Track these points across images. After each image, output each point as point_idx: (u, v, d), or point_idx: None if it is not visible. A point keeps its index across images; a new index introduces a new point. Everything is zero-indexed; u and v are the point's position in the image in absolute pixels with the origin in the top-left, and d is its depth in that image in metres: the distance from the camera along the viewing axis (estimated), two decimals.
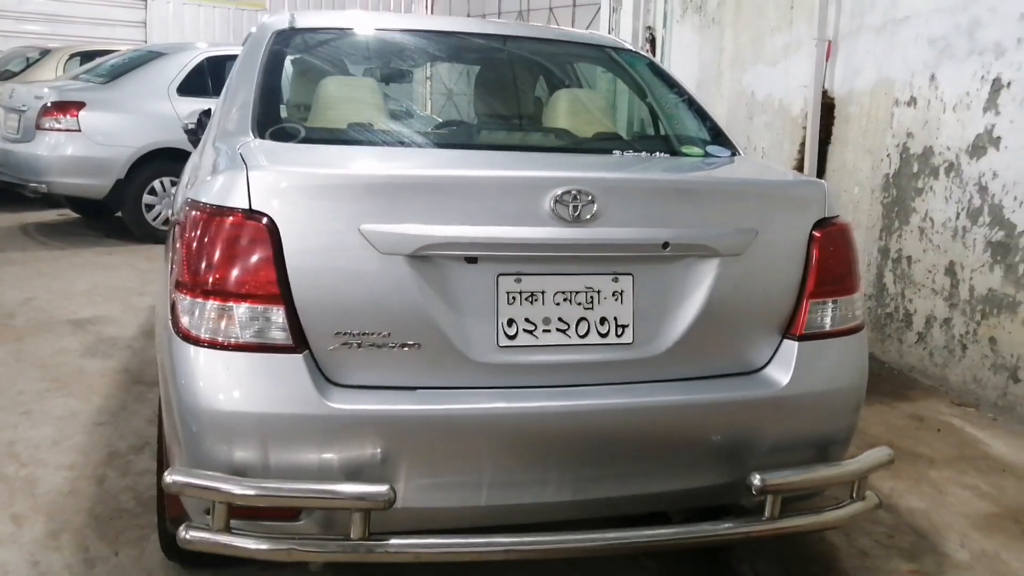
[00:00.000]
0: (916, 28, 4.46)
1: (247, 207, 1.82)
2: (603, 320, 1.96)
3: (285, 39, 2.62)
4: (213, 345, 1.82)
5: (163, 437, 2.19)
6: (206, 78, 7.50)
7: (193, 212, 1.89)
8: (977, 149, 4.06)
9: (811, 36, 5.34)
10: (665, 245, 1.97)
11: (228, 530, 1.75)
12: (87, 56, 9.93)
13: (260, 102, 2.31)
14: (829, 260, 2.10)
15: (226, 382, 1.80)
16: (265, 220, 1.81)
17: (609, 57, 2.99)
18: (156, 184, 7.18)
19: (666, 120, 2.72)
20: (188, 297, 1.84)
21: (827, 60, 5.17)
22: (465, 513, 1.93)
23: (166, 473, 1.76)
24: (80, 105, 6.85)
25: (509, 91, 3.16)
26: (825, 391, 2.10)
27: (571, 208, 1.89)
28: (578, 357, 1.96)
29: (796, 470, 2.02)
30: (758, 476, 1.93)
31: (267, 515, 1.85)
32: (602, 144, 2.65)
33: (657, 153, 2.49)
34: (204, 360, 1.81)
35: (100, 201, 7.24)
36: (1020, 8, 3.79)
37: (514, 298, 1.92)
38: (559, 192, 1.89)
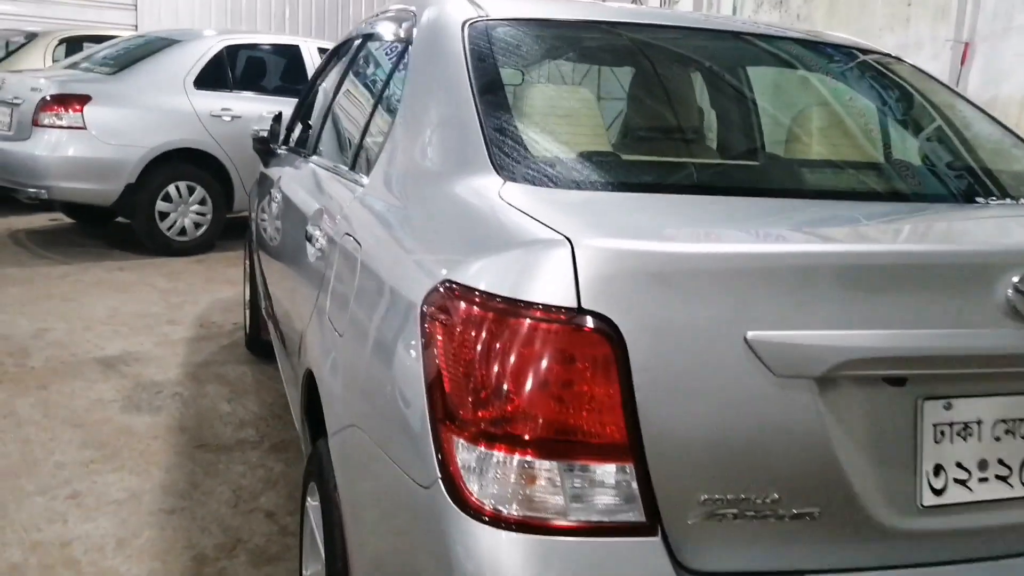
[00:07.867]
0: None
1: (575, 305, 1.16)
2: None
3: (484, 34, 1.87)
4: (523, 526, 1.16)
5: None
6: (226, 70, 6.72)
7: (471, 307, 1.22)
8: None
9: (935, 37, 4.77)
10: None
11: None
12: (76, 42, 9.07)
13: (489, 126, 1.61)
14: None
15: None
16: (604, 325, 1.15)
17: (876, 65, 2.33)
18: (171, 189, 6.38)
19: (982, 149, 2.08)
20: (475, 446, 1.18)
21: (962, 64, 4.60)
22: None
23: None
24: (85, 99, 6.01)
25: (798, 105, 2.47)
26: None
27: None
28: (1019, 516, 1.34)
29: None
30: None
31: None
32: (952, 184, 1.99)
33: (1012, 199, 1.85)
34: (512, 549, 1.16)
35: (104, 207, 6.43)
36: None
37: (943, 433, 1.30)
38: (1017, 277, 1.27)
